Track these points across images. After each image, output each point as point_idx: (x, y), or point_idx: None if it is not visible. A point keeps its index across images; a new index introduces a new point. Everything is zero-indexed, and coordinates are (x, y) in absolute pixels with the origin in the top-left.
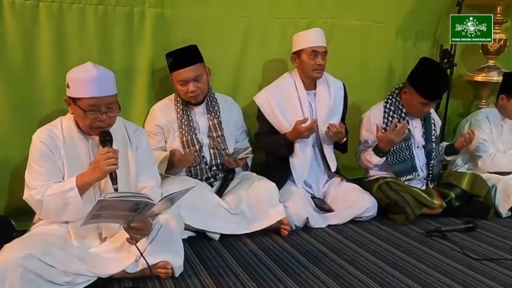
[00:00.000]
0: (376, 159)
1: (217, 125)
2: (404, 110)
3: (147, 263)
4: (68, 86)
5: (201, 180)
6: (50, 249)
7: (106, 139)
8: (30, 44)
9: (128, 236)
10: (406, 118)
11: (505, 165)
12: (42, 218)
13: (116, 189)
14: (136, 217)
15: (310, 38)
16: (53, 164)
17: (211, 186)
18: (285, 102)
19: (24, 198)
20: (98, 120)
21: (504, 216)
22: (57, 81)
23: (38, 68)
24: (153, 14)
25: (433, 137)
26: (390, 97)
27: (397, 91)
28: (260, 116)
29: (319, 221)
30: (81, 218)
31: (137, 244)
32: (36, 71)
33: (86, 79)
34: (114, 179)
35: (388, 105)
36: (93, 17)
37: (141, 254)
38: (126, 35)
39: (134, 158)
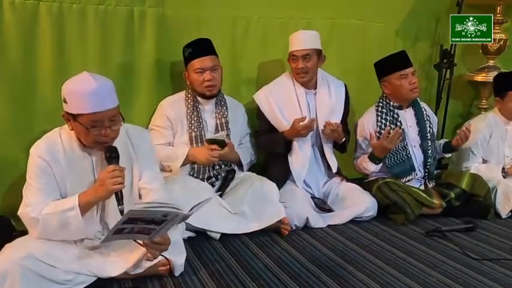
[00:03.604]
0: (373, 167)
1: (224, 124)
2: (396, 111)
3: (166, 258)
4: (65, 101)
5: (202, 179)
6: (50, 249)
7: (112, 156)
8: (30, 44)
9: (147, 254)
10: (399, 119)
11: (492, 174)
12: (36, 237)
13: (122, 211)
14: (161, 230)
15: (290, 42)
16: (52, 181)
17: (213, 186)
18: (283, 101)
19: (18, 213)
20: (102, 136)
21: (504, 217)
22: (57, 81)
23: (38, 68)
24: (154, 14)
25: (429, 134)
26: (381, 100)
27: (385, 94)
28: (259, 114)
29: (319, 221)
30: (79, 238)
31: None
32: (37, 71)
33: (85, 93)
34: (119, 199)
35: (379, 109)
36: (93, 17)
37: (166, 258)
38: (127, 35)
39: (138, 170)
